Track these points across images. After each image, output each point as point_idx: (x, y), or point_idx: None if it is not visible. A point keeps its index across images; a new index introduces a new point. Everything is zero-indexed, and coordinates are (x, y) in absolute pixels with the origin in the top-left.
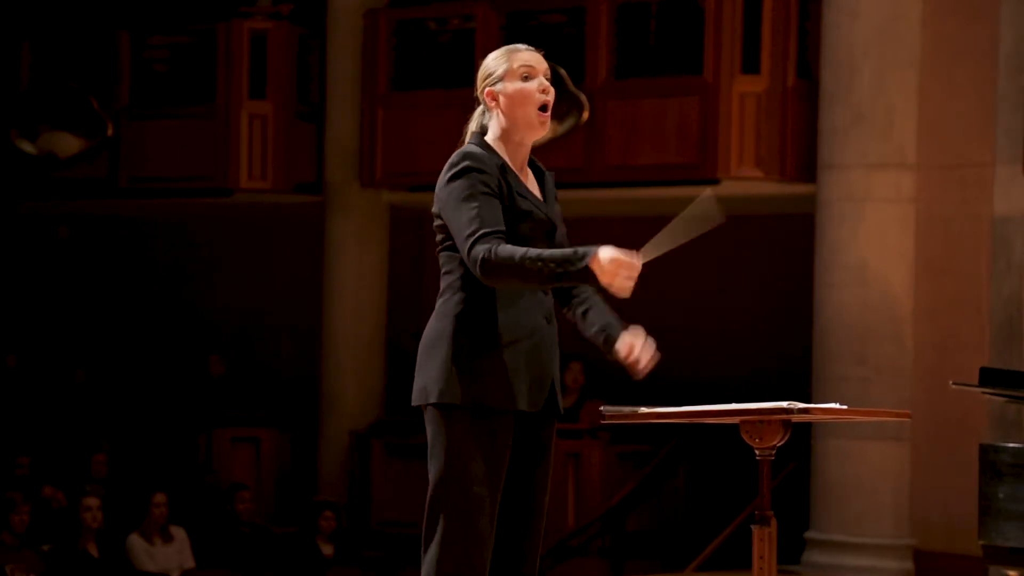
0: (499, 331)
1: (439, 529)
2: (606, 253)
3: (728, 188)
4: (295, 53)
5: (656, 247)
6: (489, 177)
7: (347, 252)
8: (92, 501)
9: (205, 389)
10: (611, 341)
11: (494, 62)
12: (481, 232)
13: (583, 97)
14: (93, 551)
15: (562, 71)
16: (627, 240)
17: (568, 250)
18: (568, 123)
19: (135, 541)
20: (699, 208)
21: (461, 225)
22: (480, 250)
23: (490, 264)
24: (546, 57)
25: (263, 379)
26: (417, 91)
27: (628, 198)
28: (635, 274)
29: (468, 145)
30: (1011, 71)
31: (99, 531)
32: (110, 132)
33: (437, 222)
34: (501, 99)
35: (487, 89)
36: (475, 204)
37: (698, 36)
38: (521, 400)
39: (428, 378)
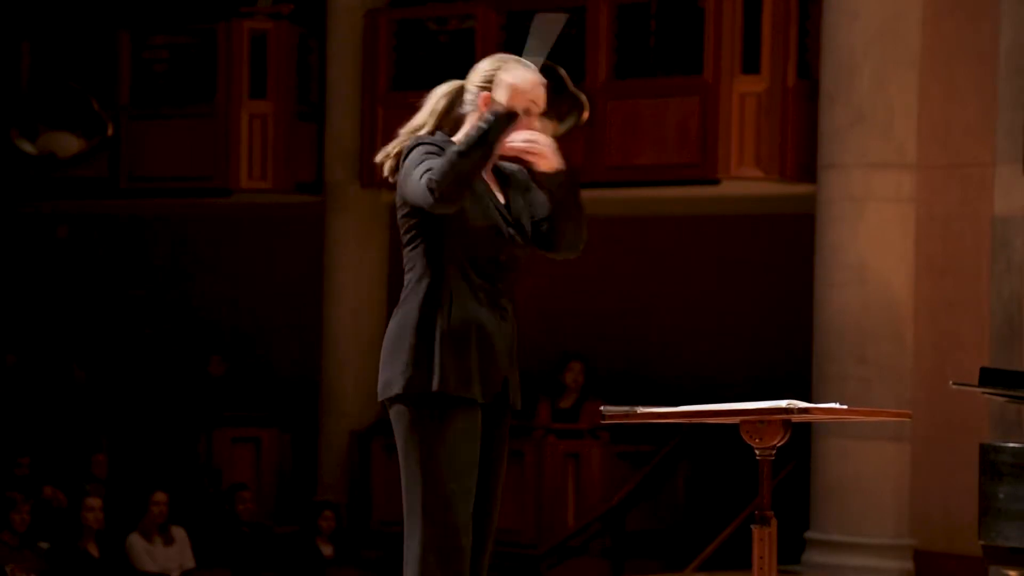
0: (452, 325)
1: (419, 523)
2: (499, 94)
3: (728, 188)
4: (295, 53)
5: (535, 52)
6: (439, 148)
7: (347, 252)
8: (94, 501)
9: (205, 389)
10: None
11: (506, 74)
12: (423, 170)
13: (583, 97)
14: (93, 551)
15: (562, 71)
16: (627, 240)
17: (478, 122)
18: (568, 123)
19: (135, 541)
20: (544, 21)
21: (414, 178)
22: (423, 180)
23: (433, 181)
24: (546, 57)
25: (263, 379)
26: (417, 91)
27: (628, 198)
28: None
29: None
30: (1011, 71)
31: (99, 531)
32: (110, 132)
33: (401, 212)
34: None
35: (485, 93)
36: (425, 159)
37: (698, 36)
38: (472, 388)
39: (392, 373)
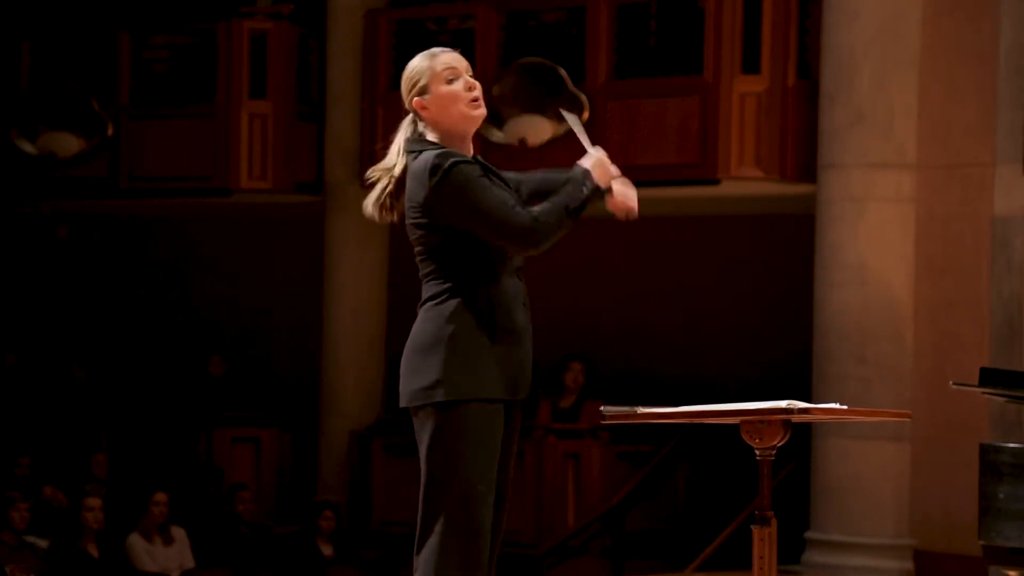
0: (497, 328)
1: (440, 524)
2: (588, 162)
3: (728, 188)
4: (295, 53)
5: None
6: (475, 166)
7: (347, 252)
8: (94, 501)
9: (205, 389)
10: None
11: (416, 72)
12: (511, 206)
13: (583, 97)
14: (93, 551)
15: (562, 71)
16: (627, 241)
17: (570, 188)
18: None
19: (135, 541)
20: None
21: (491, 209)
22: (523, 221)
23: (541, 228)
24: (546, 57)
25: (263, 379)
26: None
27: None
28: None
29: (432, 147)
30: (1011, 71)
31: (99, 531)
32: (110, 132)
33: (419, 231)
34: (431, 107)
35: (415, 100)
36: (489, 188)
37: (698, 36)
38: (521, 388)
39: (429, 379)
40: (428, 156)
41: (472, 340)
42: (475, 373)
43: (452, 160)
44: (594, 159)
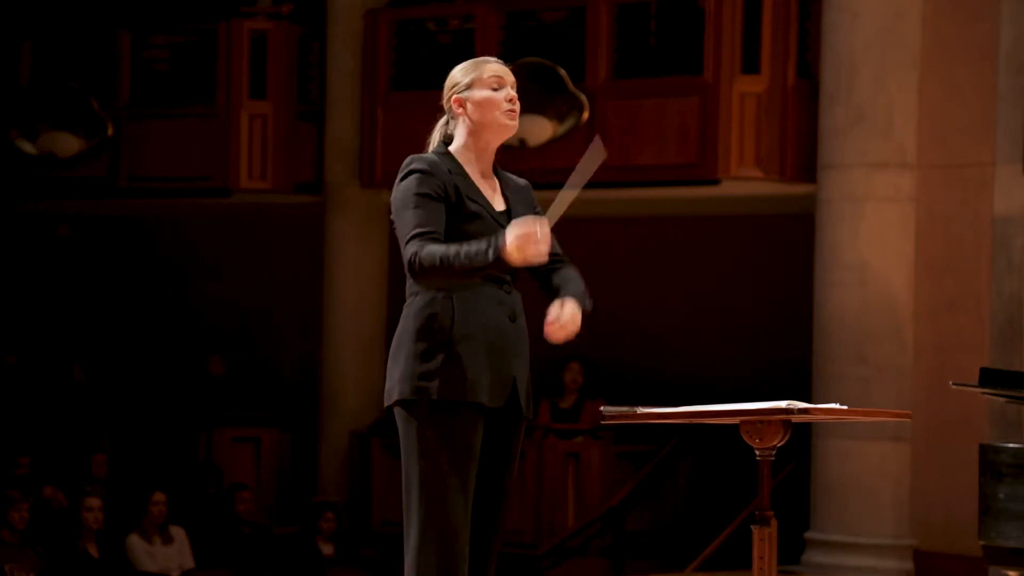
0: (455, 328)
1: (414, 525)
2: (510, 236)
3: (728, 188)
4: (295, 53)
5: (558, 206)
6: (434, 180)
7: (347, 252)
8: (94, 502)
9: (205, 389)
10: (555, 294)
11: (462, 73)
12: (415, 233)
13: (583, 97)
14: (93, 551)
15: (562, 71)
16: (627, 241)
17: (482, 243)
18: (568, 123)
19: (135, 541)
20: (590, 155)
21: (403, 227)
22: (410, 251)
23: (415, 264)
24: (546, 57)
25: (263, 379)
26: (417, 91)
27: (628, 198)
28: (544, 242)
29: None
30: (1011, 71)
31: (99, 531)
32: (110, 132)
33: (394, 225)
34: (469, 105)
35: (455, 96)
36: (417, 207)
37: (698, 36)
38: (481, 393)
39: (392, 379)
40: (411, 156)
41: (430, 339)
42: (430, 373)
43: (415, 167)
44: (516, 236)
